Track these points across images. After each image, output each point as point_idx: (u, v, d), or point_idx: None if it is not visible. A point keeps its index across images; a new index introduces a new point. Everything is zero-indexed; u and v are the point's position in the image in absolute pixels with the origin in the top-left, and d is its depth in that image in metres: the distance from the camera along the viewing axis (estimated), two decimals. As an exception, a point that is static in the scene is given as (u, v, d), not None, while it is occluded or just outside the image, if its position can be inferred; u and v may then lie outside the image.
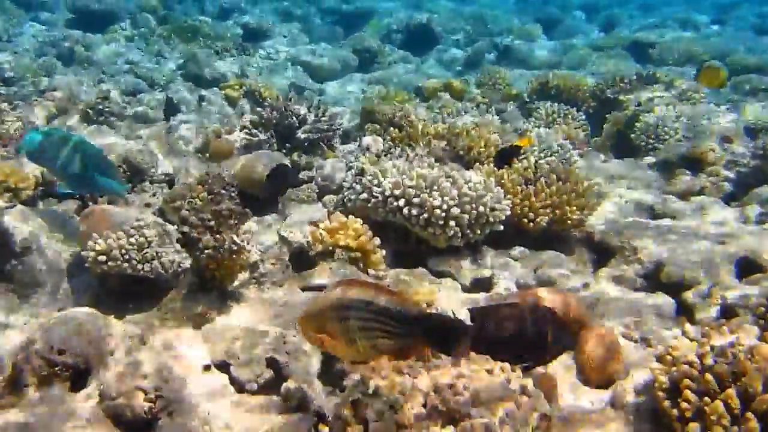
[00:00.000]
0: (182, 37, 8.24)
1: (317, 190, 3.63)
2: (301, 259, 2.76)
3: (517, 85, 6.68)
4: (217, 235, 2.31)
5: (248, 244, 2.40)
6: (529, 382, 1.59)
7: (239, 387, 2.01)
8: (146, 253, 2.49)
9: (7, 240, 2.64)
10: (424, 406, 1.56)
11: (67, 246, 2.83)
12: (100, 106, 4.70)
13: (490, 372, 1.61)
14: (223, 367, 2.06)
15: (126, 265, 2.44)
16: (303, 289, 2.54)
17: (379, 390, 1.61)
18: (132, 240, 2.49)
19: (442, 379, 1.58)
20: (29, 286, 2.55)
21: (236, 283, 2.49)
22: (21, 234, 2.67)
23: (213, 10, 11.58)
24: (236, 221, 2.42)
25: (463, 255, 2.91)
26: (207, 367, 1.99)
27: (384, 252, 2.78)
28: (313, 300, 1.54)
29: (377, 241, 2.74)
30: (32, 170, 3.24)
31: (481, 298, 2.59)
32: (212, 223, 2.32)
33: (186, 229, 2.32)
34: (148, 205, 3.26)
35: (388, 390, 1.59)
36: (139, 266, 2.46)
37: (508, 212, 2.91)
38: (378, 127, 4.12)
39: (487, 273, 2.83)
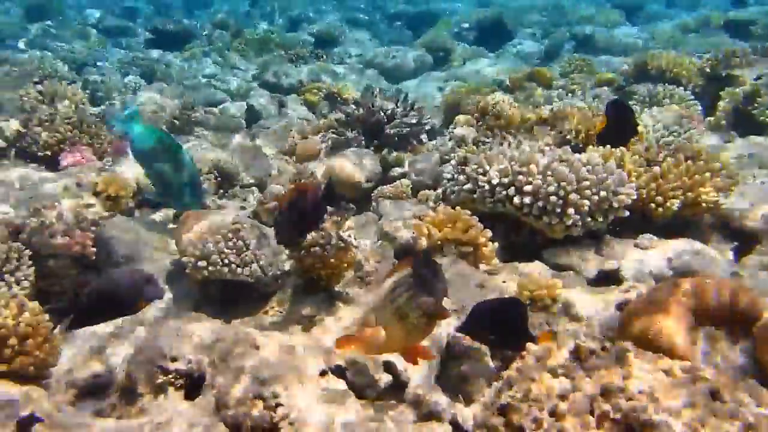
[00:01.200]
0: (256, 49, 8.34)
1: (411, 186, 3.44)
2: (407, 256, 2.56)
3: (605, 72, 6.26)
4: (323, 232, 2.16)
5: (355, 240, 2.23)
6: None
7: (358, 393, 1.83)
8: (245, 256, 2.37)
9: (110, 250, 2.62)
10: (591, 413, 1.31)
11: (166, 254, 2.78)
12: (186, 117, 4.73)
13: (667, 373, 1.34)
14: (338, 371, 1.89)
15: (226, 269, 2.33)
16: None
17: (532, 395, 1.38)
18: (230, 243, 2.37)
19: (610, 381, 1.33)
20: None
21: (341, 283, 2.32)
22: (123, 243, 2.64)
23: (283, 23, 11.78)
24: (339, 218, 2.26)
25: (584, 245, 2.62)
26: (323, 373, 1.82)
27: (496, 245, 2.54)
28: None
29: (489, 233, 2.51)
30: (132, 176, 3.23)
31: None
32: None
33: (290, 226, 2.17)
34: (242, 208, 3.17)
35: (545, 395, 1.36)
36: (239, 270, 2.34)
37: (635, 196, 2.60)
38: (470, 117, 3.88)
39: (613, 264, 2.51)
